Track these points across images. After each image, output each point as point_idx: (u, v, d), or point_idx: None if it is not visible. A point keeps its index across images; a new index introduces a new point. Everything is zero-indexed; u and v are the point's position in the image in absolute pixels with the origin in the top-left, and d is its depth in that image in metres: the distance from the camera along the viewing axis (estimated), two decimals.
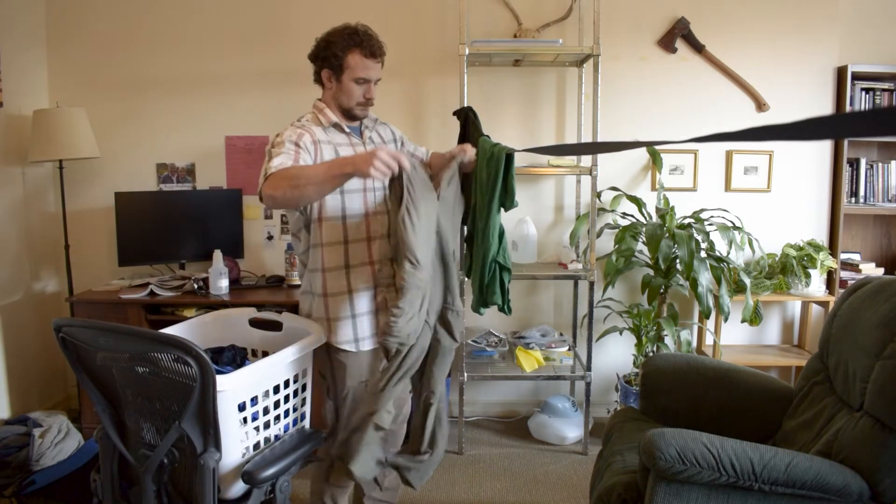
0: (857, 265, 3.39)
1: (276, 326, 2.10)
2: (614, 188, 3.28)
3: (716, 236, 3.11)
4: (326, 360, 2.03)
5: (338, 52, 1.94)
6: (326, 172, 1.68)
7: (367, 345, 2.02)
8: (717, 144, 3.39)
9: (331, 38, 1.98)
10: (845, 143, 3.29)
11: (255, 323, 2.14)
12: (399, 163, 1.66)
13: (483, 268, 2.18)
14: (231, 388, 1.59)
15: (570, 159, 3.23)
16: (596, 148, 2.88)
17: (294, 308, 2.96)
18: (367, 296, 2.01)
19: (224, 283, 3.04)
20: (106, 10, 3.37)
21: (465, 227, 2.45)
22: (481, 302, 2.23)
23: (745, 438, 1.70)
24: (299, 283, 3.21)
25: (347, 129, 2.04)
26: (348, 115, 2.03)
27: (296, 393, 1.89)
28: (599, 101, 2.93)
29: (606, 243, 3.29)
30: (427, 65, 3.36)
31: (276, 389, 1.79)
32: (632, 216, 3.27)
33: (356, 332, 2.00)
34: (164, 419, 1.58)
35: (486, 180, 2.21)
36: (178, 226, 3.26)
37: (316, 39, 2.04)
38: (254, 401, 1.70)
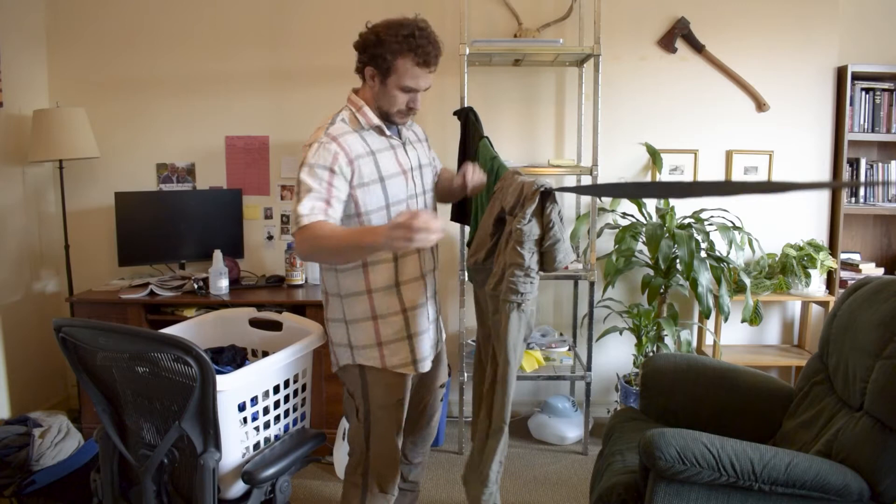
0: (857, 265, 3.39)
1: (276, 326, 2.10)
2: None
3: (716, 236, 3.11)
4: (358, 380, 1.86)
5: (387, 54, 1.70)
6: (355, 247, 1.58)
7: (426, 366, 1.90)
8: (716, 144, 3.39)
9: (383, 36, 1.70)
10: (845, 143, 3.28)
11: (255, 323, 2.13)
12: (434, 230, 1.43)
13: None
14: (231, 388, 1.59)
15: (569, 159, 3.24)
16: (622, 190, 2.71)
17: (294, 308, 2.98)
18: (423, 312, 1.87)
19: (224, 283, 3.04)
20: (106, 11, 3.37)
21: (469, 234, 2.44)
22: None
23: (745, 438, 1.70)
24: (300, 282, 3.25)
25: (388, 133, 1.83)
26: (385, 119, 1.82)
27: (296, 393, 1.88)
28: (599, 101, 2.93)
29: (606, 243, 3.29)
30: None
31: (276, 389, 1.79)
32: (632, 216, 3.27)
33: (415, 353, 1.86)
34: (164, 419, 1.58)
35: (484, 192, 2.20)
36: (178, 226, 3.26)
37: (367, 26, 1.77)
38: (254, 401, 1.70)
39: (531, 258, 1.63)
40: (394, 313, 1.82)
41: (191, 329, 2.03)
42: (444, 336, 2.08)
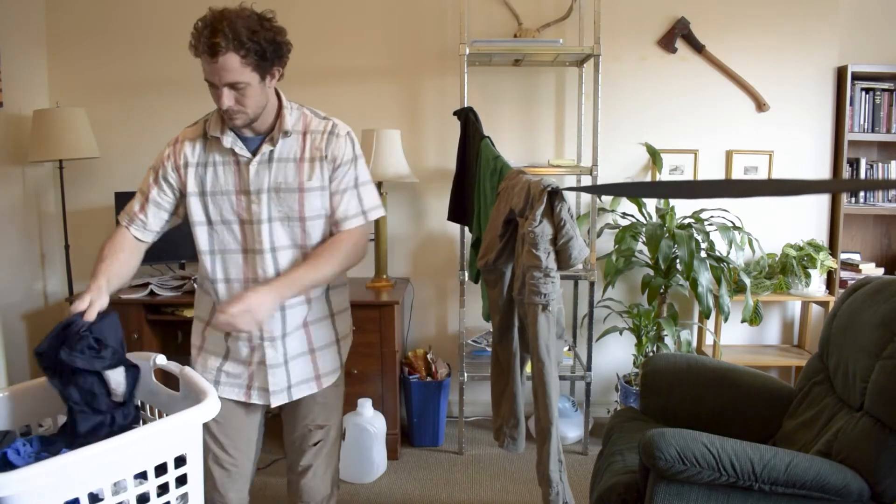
0: (857, 265, 3.39)
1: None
2: None
3: (716, 236, 3.11)
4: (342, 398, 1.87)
5: (192, 51, 1.53)
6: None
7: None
8: (716, 144, 3.39)
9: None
10: (845, 142, 3.28)
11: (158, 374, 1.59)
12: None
13: None
14: (16, 492, 1.04)
15: (569, 159, 3.24)
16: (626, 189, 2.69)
17: None
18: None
19: None
20: (106, 11, 3.37)
21: (472, 235, 2.44)
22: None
23: (745, 438, 1.70)
24: None
25: (230, 144, 1.60)
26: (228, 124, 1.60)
27: (161, 491, 1.26)
28: (599, 101, 2.93)
29: (606, 243, 3.29)
30: (427, 64, 3.36)
31: (121, 487, 1.20)
32: (632, 216, 3.27)
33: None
34: None
35: (489, 191, 2.19)
36: (178, 225, 3.25)
37: None
38: None
39: (548, 258, 1.64)
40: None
41: None
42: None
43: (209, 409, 1.30)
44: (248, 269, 1.64)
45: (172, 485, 1.26)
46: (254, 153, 1.62)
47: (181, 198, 1.66)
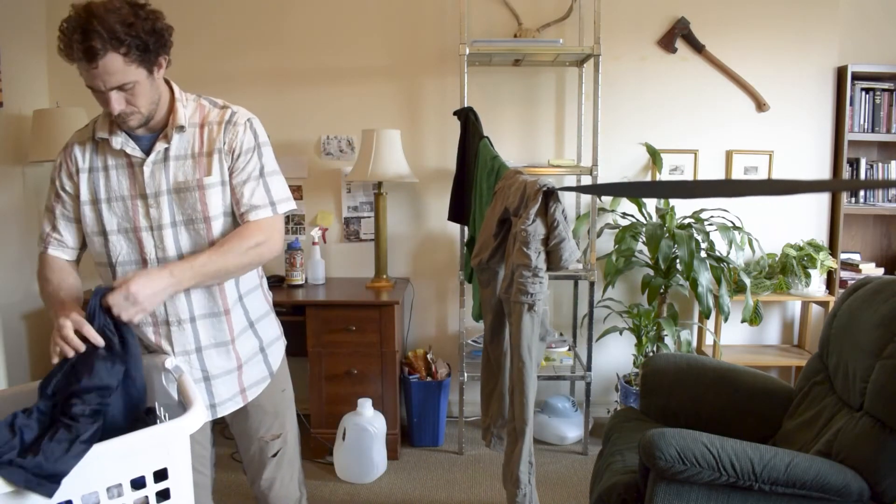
0: (857, 265, 3.39)
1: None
2: None
3: (716, 236, 3.11)
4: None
5: (66, 60, 1.41)
6: (48, 305, 1.44)
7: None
8: (716, 144, 3.39)
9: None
10: (845, 142, 3.28)
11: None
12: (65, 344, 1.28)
13: None
14: None
15: (569, 159, 3.23)
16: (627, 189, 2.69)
17: (294, 308, 2.98)
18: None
19: None
20: None
21: (467, 233, 2.44)
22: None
23: (745, 438, 1.70)
24: (300, 282, 3.25)
25: (120, 146, 1.48)
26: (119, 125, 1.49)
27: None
28: (599, 101, 2.93)
29: (606, 243, 3.29)
30: (427, 64, 3.36)
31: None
32: (632, 216, 3.27)
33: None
34: None
35: (486, 191, 2.20)
36: None
37: None
38: None
39: (538, 258, 1.63)
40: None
41: None
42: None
43: (191, 421, 1.21)
44: None
45: (153, 500, 1.19)
46: (147, 153, 1.48)
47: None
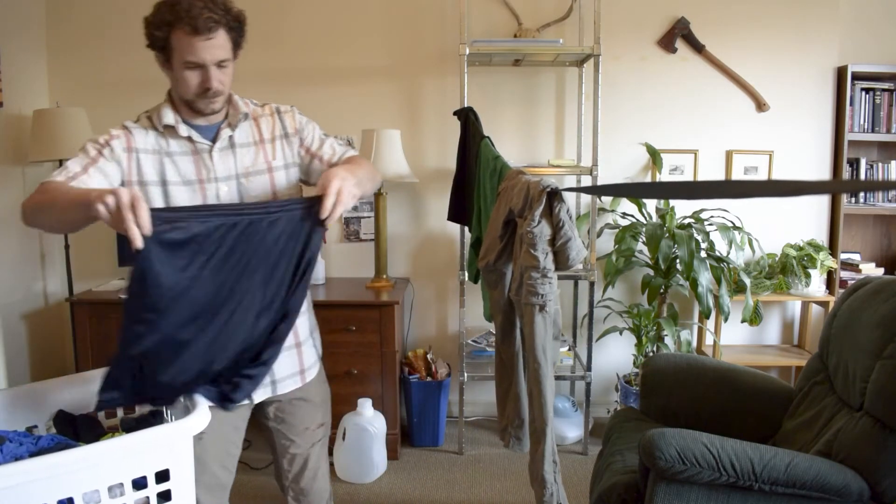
0: (857, 265, 3.39)
1: None
2: None
3: (716, 236, 3.11)
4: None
5: (158, 32, 1.45)
6: (68, 198, 1.29)
7: (313, 373, 1.74)
8: (716, 144, 3.39)
9: (153, 14, 1.47)
10: (845, 142, 3.28)
11: None
12: (133, 218, 1.17)
13: None
14: None
15: (569, 159, 3.23)
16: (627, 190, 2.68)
17: None
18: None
19: None
20: (106, 11, 3.37)
21: (472, 234, 2.44)
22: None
23: (745, 438, 1.70)
24: None
25: (186, 133, 1.53)
26: (192, 108, 1.54)
27: None
28: (599, 101, 2.93)
29: (606, 243, 3.29)
30: (427, 64, 3.36)
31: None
32: (632, 216, 3.27)
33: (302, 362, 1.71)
34: None
35: (489, 192, 2.19)
36: None
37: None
38: None
39: (546, 259, 1.64)
40: None
41: (97, 381, 1.38)
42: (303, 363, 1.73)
43: (195, 422, 1.21)
44: None
45: (154, 501, 1.19)
46: (212, 140, 1.55)
47: (123, 184, 1.53)
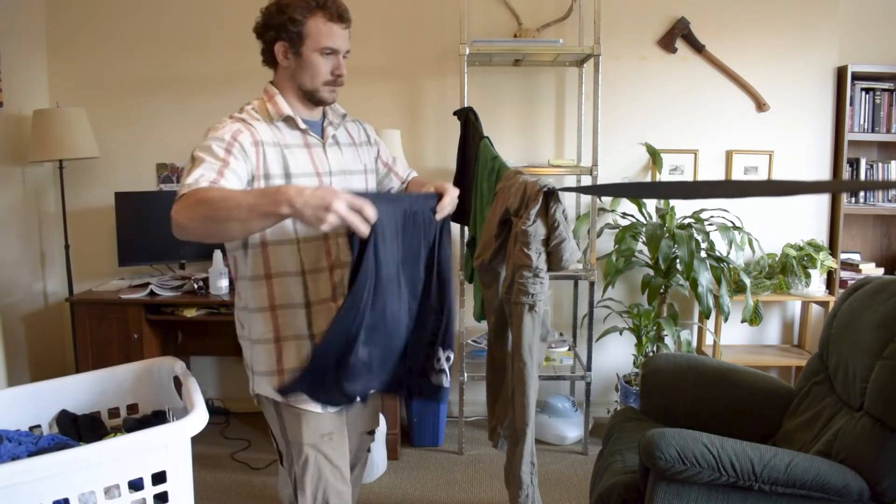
0: (857, 265, 3.39)
1: None
2: None
3: (716, 236, 3.11)
4: (275, 417, 1.57)
5: (296, 16, 1.49)
6: (254, 208, 1.23)
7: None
8: (716, 144, 3.39)
9: (286, 1, 1.52)
10: (845, 142, 3.28)
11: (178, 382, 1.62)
12: (363, 215, 1.23)
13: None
14: None
15: (569, 159, 3.23)
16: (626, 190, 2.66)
17: None
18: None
19: (224, 282, 3.04)
20: (106, 11, 3.37)
21: (467, 233, 2.44)
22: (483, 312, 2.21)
23: (745, 438, 1.70)
24: None
25: (303, 125, 1.58)
26: (312, 99, 1.58)
27: None
28: (599, 101, 2.93)
29: (606, 243, 3.29)
30: (427, 64, 3.36)
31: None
32: (632, 216, 3.27)
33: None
34: None
35: (486, 191, 2.19)
36: None
37: (262, 9, 1.62)
38: None
39: (539, 258, 1.63)
40: (300, 337, 1.57)
41: (100, 382, 1.48)
42: None
43: (191, 424, 1.21)
44: (331, 254, 1.57)
45: (150, 502, 1.19)
46: (320, 135, 1.63)
47: (252, 180, 1.50)
